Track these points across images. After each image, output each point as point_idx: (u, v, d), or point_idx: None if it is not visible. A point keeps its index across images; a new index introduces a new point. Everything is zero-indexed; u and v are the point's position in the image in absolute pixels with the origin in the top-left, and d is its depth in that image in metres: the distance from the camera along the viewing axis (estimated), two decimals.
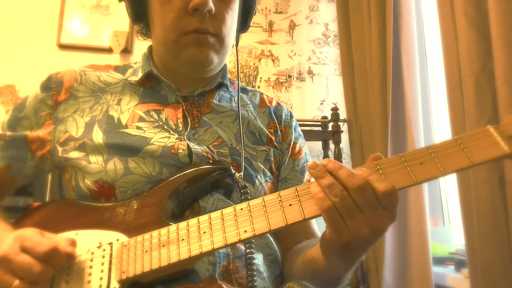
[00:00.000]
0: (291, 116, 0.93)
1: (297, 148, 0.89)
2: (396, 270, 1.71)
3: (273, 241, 0.78)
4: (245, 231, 0.57)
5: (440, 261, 1.67)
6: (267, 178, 0.80)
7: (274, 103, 0.93)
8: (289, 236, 0.80)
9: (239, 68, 0.87)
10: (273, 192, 0.79)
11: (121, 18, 2.21)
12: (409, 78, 1.74)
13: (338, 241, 0.56)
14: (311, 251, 0.69)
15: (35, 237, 0.59)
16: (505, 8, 1.18)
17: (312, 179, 0.89)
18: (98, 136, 0.74)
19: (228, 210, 0.60)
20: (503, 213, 1.20)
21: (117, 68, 0.87)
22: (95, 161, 0.72)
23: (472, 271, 1.30)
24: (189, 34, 0.74)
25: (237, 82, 0.89)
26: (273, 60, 2.40)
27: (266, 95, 0.94)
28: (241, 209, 0.59)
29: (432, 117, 1.89)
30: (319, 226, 0.81)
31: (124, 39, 2.16)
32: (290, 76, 2.39)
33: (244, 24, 0.87)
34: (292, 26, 2.46)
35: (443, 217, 1.88)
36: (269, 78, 2.37)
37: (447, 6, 1.43)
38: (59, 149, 0.76)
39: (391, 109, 1.76)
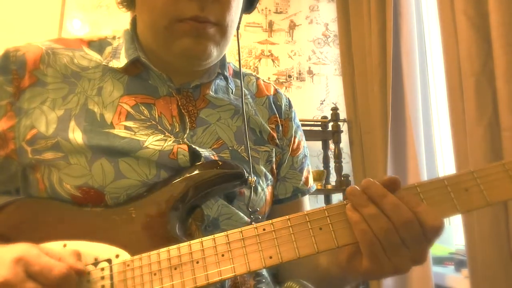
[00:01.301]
0: (290, 106, 0.84)
1: (296, 142, 0.82)
2: None
3: None
4: (271, 257, 0.51)
5: (440, 261, 1.68)
6: (268, 182, 0.73)
7: (272, 91, 0.83)
8: None
9: (240, 57, 0.77)
10: (272, 195, 0.76)
11: (121, 18, 2.21)
12: (409, 78, 1.74)
13: (377, 274, 0.52)
14: (323, 262, 0.65)
15: (43, 259, 0.50)
16: (505, 8, 1.18)
17: (310, 173, 0.85)
18: (76, 136, 0.61)
19: (248, 230, 0.53)
20: (503, 213, 1.20)
21: (91, 45, 0.72)
22: (77, 162, 0.60)
23: (472, 271, 1.30)
24: (184, 21, 0.62)
25: (232, 64, 0.81)
26: (273, 60, 2.40)
27: (263, 80, 0.84)
28: (264, 229, 0.52)
29: (432, 117, 1.89)
30: None
31: None
32: (290, 76, 2.39)
33: (250, 4, 0.75)
34: (292, 26, 2.46)
35: None
36: (269, 78, 2.37)
37: (447, 6, 1.43)
38: (28, 149, 0.62)
39: (391, 109, 1.76)
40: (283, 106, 0.82)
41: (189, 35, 0.63)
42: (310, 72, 2.42)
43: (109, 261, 0.54)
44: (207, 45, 0.64)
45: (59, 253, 0.52)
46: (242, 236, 0.52)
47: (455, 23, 1.39)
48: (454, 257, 1.62)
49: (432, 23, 1.97)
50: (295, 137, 0.82)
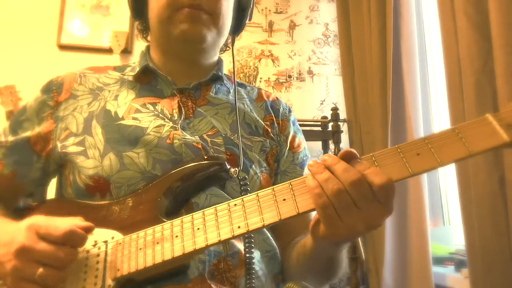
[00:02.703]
0: (289, 111, 0.93)
1: (297, 142, 0.89)
2: (396, 270, 1.71)
3: (270, 237, 0.78)
4: (239, 227, 0.57)
5: (440, 261, 1.67)
6: (263, 169, 0.80)
7: (271, 98, 0.93)
8: (288, 232, 0.80)
9: (235, 69, 0.89)
10: (269, 183, 0.81)
11: (121, 18, 2.21)
12: (409, 78, 1.74)
13: (332, 236, 0.56)
14: (305, 241, 0.70)
15: (49, 222, 0.58)
16: (505, 7, 1.18)
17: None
18: (97, 131, 0.75)
19: (222, 206, 0.60)
20: (503, 213, 1.20)
21: (116, 68, 0.89)
22: (92, 156, 0.73)
23: (472, 271, 1.30)
24: (182, 9, 0.76)
25: (233, 78, 0.90)
26: (273, 60, 2.40)
27: (265, 91, 0.95)
28: (235, 204, 0.59)
29: (432, 117, 1.89)
30: None
31: (124, 39, 2.16)
32: (290, 76, 2.39)
33: (239, 23, 0.88)
34: (292, 26, 2.46)
35: (443, 217, 1.88)
36: (269, 78, 2.37)
37: (447, 5, 1.43)
38: (59, 145, 0.76)
39: (391, 109, 1.76)
40: (281, 109, 0.91)
41: (186, 21, 0.76)
42: (310, 72, 2.42)
43: (105, 242, 0.64)
44: (201, 28, 0.77)
45: (65, 218, 0.60)
46: (216, 211, 0.60)
47: (455, 22, 1.39)
48: (454, 257, 1.62)
49: (432, 22, 1.96)
50: (294, 136, 0.89)
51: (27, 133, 0.80)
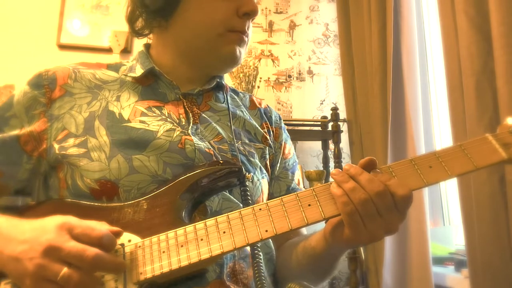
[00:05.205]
0: (280, 119, 0.98)
1: (287, 148, 0.94)
2: (396, 270, 1.71)
3: (270, 240, 0.79)
4: (266, 231, 0.58)
5: (440, 261, 1.67)
6: (263, 175, 0.82)
7: (263, 105, 0.97)
8: (282, 235, 0.82)
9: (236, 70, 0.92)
10: (267, 188, 0.84)
11: (121, 18, 2.20)
12: (409, 78, 1.74)
13: (356, 241, 0.60)
14: (311, 242, 0.73)
15: (84, 223, 0.56)
16: (505, 8, 1.18)
17: (300, 177, 0.95)
18: (101, 133, 0.72)
19: (246, 211, 0.60)
20: (503, 213, 1.20)
21: (109, 66, 0.86)
22: (97, 159, 0.69)
23: (472, 271, 1.30)
24: (235, 32, 0.80)
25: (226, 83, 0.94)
26: (273, 60, 2.40)
27: (255, 97, 0.99)
28: (260, 209, 0.60)
29: (432, 117, 1.89)
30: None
31: (124, 39, 2.16)
32: (290, 76, 2.39)
33: None
34: (292, 26, 2.46)
35: (443, 217, 1.88)
36: (269, 78, 2.36)
37: (447, 6, 1.43)
38: (56, 146, 0.72)
39: (391, 109, 1.76)
40: (273, 117, 0.96)
41: (236, 43, 0.81)
42: (310, 72, 2.42)
43: (122, 245, 0.61)
44: (242, 52, 0.83)
45: (91, 221, 0.58)
46: (241, 215, 0.60)
47: (455, 22, 1.39)
48: (454, 257, 1.62)
49: (432, 22, 1.97)
50: (285, 143, 0.94)
51: (16, 131, 0.74)
